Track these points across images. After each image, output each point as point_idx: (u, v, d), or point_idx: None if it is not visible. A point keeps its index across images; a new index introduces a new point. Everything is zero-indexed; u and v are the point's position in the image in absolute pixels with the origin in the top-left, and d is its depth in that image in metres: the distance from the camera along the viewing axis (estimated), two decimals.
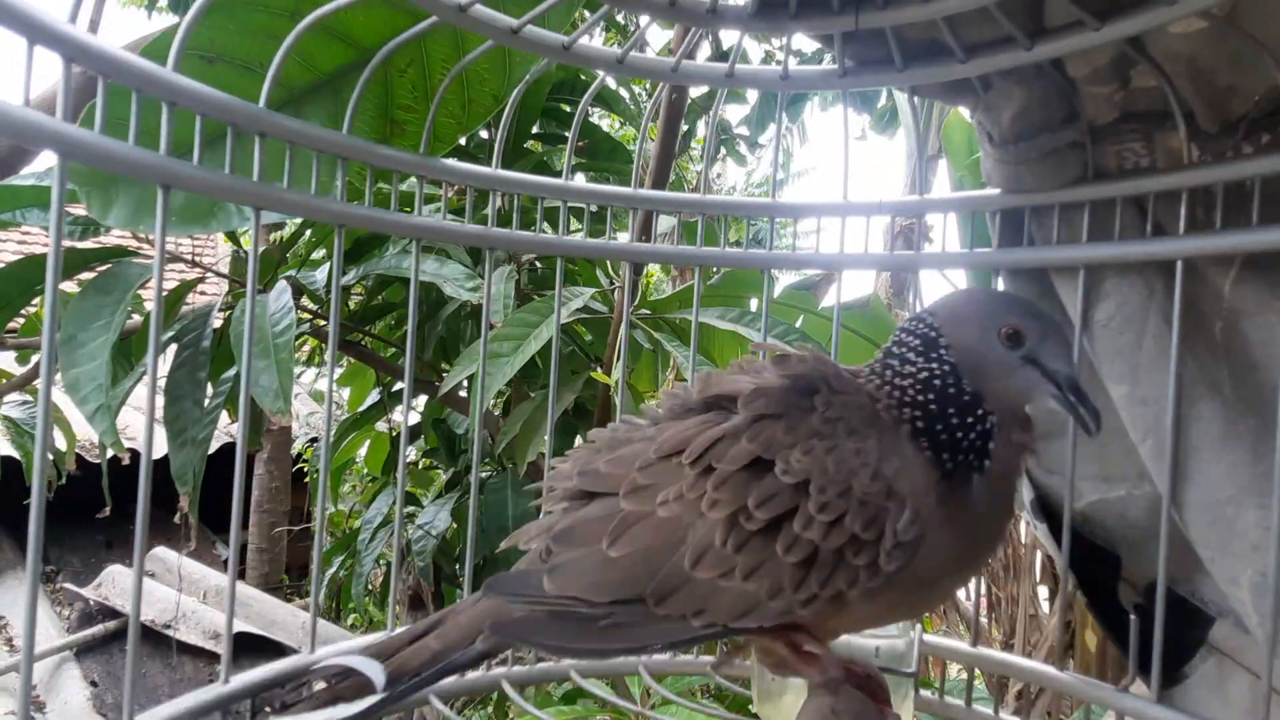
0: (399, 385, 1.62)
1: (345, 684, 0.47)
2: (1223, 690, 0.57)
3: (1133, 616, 0.59)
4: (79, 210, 1.09)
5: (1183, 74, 0.54)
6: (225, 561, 3.20)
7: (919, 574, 0.44)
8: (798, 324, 1.34)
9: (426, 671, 0.47)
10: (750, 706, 0.67)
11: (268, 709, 0.50)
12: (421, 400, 1.74)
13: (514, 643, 0.49)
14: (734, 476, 0.44)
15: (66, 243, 1.11)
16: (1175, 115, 0.54)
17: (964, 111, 1.39)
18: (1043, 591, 2.00)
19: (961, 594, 1.68)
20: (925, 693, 0.69)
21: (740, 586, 0.43)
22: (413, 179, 0.62)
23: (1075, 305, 0.60)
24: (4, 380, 1.36)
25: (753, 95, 3.24)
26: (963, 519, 0.44)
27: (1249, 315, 0.55)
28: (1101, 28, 0.50)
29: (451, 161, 0.62)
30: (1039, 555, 1.95)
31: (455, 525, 1.55)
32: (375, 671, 0.46)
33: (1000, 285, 0.67)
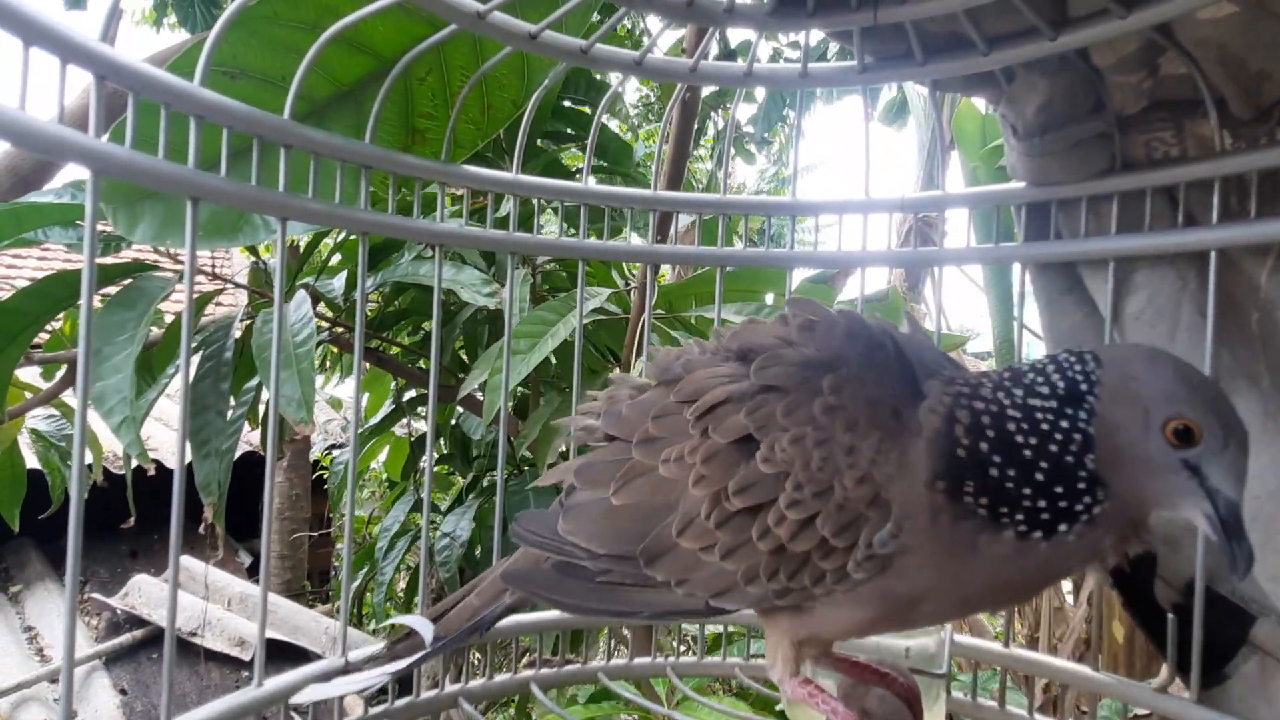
0: (416, 391, 1.63)
1: (402, 644, 0.51)
2: (1265, 690, 0.56)
3: (1171, 616, 0.58)
4: (101, 226, 1.10)
5: (1213, 60, 0.53)
6: (248, 569, 3.23)
7: (896, 589, 0.40)
8: None
9: (463, 627, 0.50)
10: (777, 706, 0.67)
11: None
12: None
13: (530, 595, 0.49)
14: (723, 452, 0.42)
15: None
16: (1206, 103, 0.53)
17: (978, 103, 1.37)
18: (1065, 584, 1.98)
19: None
20: (957, 694, 0.68)
21: (719, 564, 0.42)
22: (434, 186, 0.62)
23: (1105, 298, 0.59)
24: (30, 395, 1.38)
25: (759, 93, 3.23)
26: (962, 554, 0.39)
27: None
28: (1128, 15, 0.49)
29: (472, 168, 0.62)
30: None
31: (476, 528, 1.55)
32: (427, 630, 0.50)
33: (1026, 280, 0.66)
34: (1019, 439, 0.38)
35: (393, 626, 0.54)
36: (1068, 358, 0.40)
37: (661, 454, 0.44)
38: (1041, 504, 0.37)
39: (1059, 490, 0.37)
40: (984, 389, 0.40)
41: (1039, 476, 0.37)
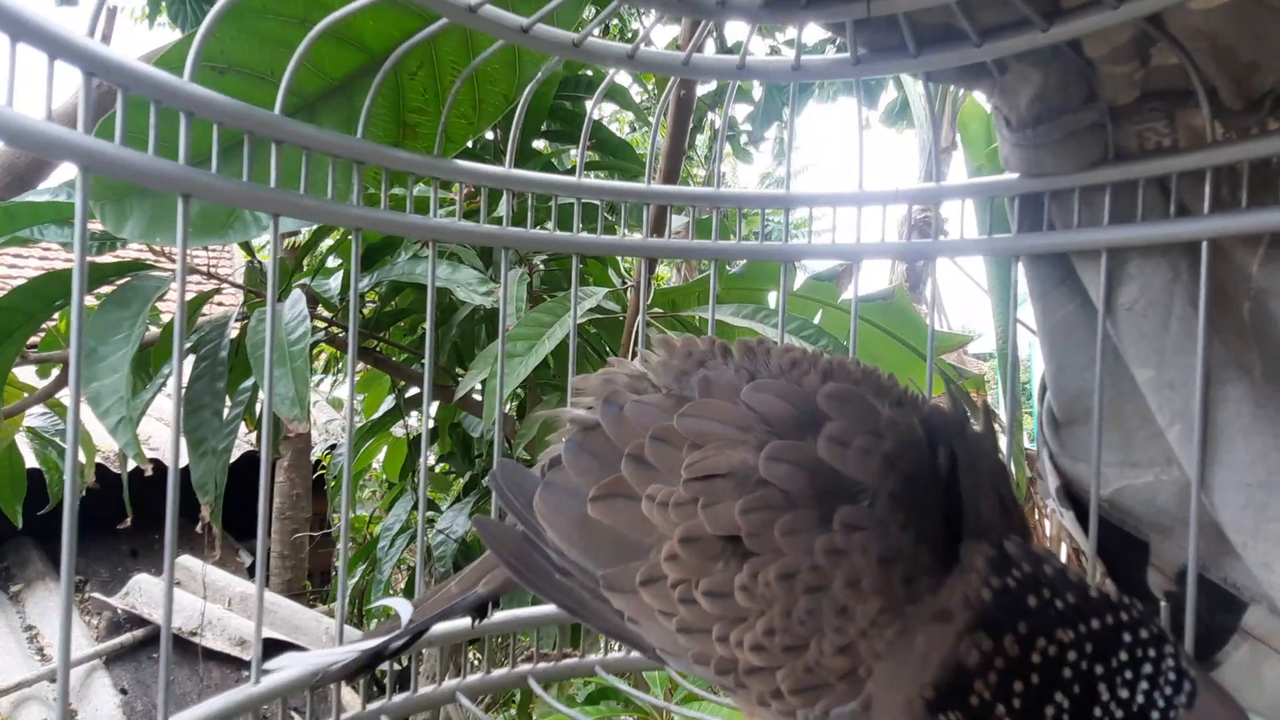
0: (413, 390, 1.63)
1: (381, 627, 0.52)
2: (1257, 676, 0.57)
3: (1163, 603, 0.58)
4: (95, 225, 1.10)
5: (1204, 51, 0.53)
6: (249, 569, 3.23)
7: None
8: (816, 319, 1.32)
9: (434, 613, 0.50)
10: None
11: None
12: (435, 405, 1.75)
13: (496, 554, 0.47)
14: (703, 541, 0.37)
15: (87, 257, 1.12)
16: (1198, 93, 0.53)
17: (981, 99, 1.37)
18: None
19: None
20: None
21: (674, 633, 0.39)
22: (428, 186, 0.62)
23: (1098, 289, 0.59)
24: (26, 394, 1.38)
25: (757, 92, 3.23)
26: None
27: (1278, 295, 0.54)
28: (1119, 6, 0.49)
29: (464, 162, 0.62)
30: (1065, 547, 1.93)
31: (474, 529, 1.56)
32: (405, 611, 0.50)
33: (1020, 271, 0.66)
34: (1043, 694, 0.31)
35: (384, 608, 0.55)
36: (1171, 668, 0.32)
37: (649, 487, 0.39)
38: None
39: None
40: (1060, 629, 0.32)
41: None
